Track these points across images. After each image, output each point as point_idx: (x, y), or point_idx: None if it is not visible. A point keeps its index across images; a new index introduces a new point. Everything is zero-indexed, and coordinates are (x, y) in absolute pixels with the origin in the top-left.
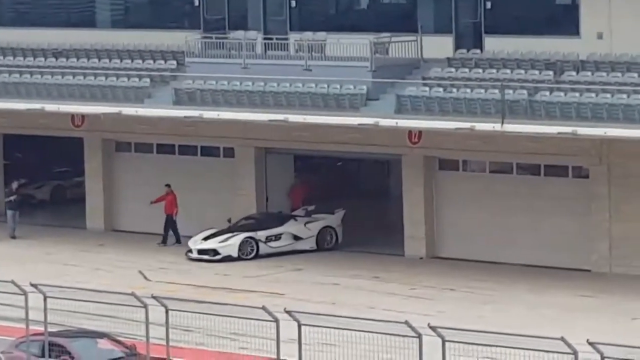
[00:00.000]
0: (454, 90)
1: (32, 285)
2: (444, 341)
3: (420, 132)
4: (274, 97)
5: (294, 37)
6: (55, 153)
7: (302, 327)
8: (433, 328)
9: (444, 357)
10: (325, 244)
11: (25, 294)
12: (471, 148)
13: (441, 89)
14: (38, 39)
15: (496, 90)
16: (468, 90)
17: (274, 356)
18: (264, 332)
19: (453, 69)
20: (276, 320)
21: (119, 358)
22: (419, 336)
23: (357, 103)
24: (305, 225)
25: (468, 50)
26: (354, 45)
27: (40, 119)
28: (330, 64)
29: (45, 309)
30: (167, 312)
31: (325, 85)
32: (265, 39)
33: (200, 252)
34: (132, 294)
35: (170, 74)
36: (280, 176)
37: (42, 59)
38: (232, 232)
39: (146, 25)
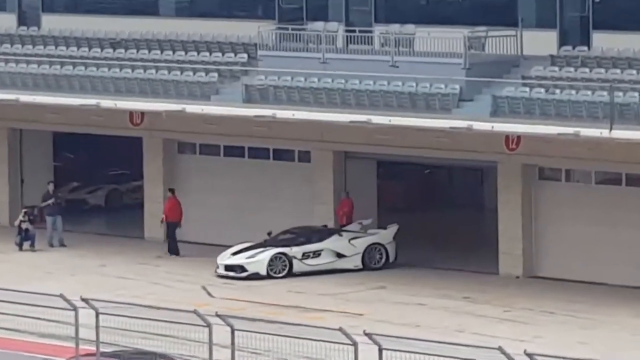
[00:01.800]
0: (557, 91)
1: (83, 300)
2: None
3: (518, 137)
4: (355, 96)
5: (379, 30)
6: (111, 154)
7: (383, 352)
8: (530, 355)
9: None
10: (373, 262)
11: (75, 309)
12: (575, 156)
13: (543, 90)
14: (94, 28)
15: (605, 92)
16: (573, 91)
17: None
18: (341, 356)
19: (557, 68)
20: (354, 344)
21: None
22: None
23: (448, 104)
24: (349, 241)
25: (574, 47)
26: (446, 39)
27: (94, 116)
28: (419, 60)
29: (97, 326)
30: (232, 332)
31: (414, 84)
32: (347, 31)
33: (227, 268)
34: (194, 312)
35: (240, 68)
36: (361, 183)
37: (98, 49)
38: (264, 247)
39: (215, 14)
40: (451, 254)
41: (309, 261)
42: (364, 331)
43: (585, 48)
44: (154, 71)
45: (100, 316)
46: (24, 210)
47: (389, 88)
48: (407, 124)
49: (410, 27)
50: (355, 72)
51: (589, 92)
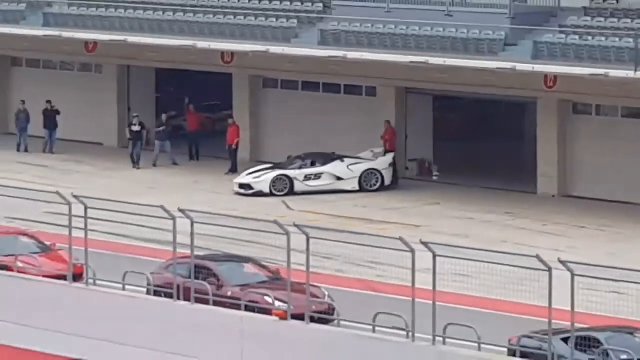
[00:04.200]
0: (590, 38)
1: (180, 210)
2: (573, 275)
3: (555, 77)
4: (415, 40)
5: None
6: (205, 87)
7: (437, 258)
8: (563, 262)
9: (573, 291)
10: (369, 185)
11: (174, 219)
12: (604, 93)
13: (577, 37)
14: None
15: (630, 39)
16: (603, 38)
17: (410, 285)
18: (401, 262)
19: (589, 18)
20: (412, 251)
21: (264, 282)
22: (549, 270)
23: (495, 48)
24: (348, 167)
25: (604, 0)
26: None
27: (191, 55)
28: (471, 10)
29: (192, 233)
30: (308, 240)
31: (465, 31)
32: None
33: (241, 186)
34: (275, 222)
35: (316, 15)
36: (419, 115)
37: None
38: (272, 169)
39: None
40: (496, 176)
41: (310, 182)
42: (421, 240)
43: (615, 1)
44: (242, 17)
45: (195, 225)
46: (134, 115)
47: (444, 34)
48: (459, 64)
49: None
50: (415, 20)
51: (617, 39)
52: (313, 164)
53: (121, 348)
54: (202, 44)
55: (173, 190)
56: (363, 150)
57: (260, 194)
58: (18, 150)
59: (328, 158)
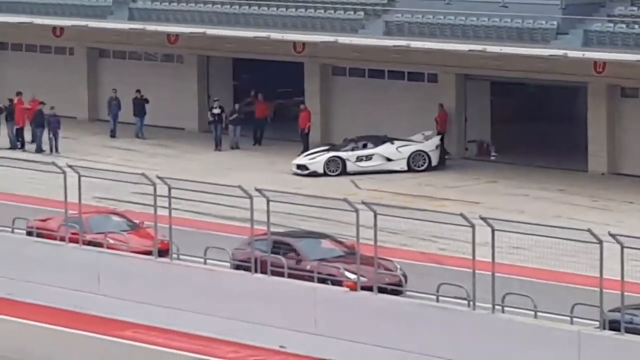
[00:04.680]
0: (636, 26)
1: (257, 190)
2: (622, 247)
3: (604, 63)
4: (473, 30)
5: None
6: (278, 75)
7: (495, 232)
8: (613, 235)
9: (622, 262)
10: (416, 166)
11: (250, 197)
12: None
13: (624, 25)
14: None
15: None
16: None
17: (470, 257)
18: (461, 236)
19: (635, 8)
20: (472, 226)
21: (340, 256)
22: (600, 242)
23: (548, 36)
24: (397, 148)
25: None
26: None
27: (265, 45)
28: (525, 2)
29: (268, 211)
30: (375, 216)
31: (520, 20)
32: None
33: (298, 167)
34: (345, 200)
35: (381, 8)
36: (477, 99)
37: None
38: (327, 151)
39: None
40: (549, 155)
41: (362, 163)
42: (480, 216)
43: None
44: (312, 10)
45: (270, 203)
46: (215, 100)
47: (500, 24)
48: (514, 52)
49: None
50: (473, 11)
51: None
52: (365, 146)
53: (202, 317)
54: (275, 35)
55: (249, 170)
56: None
57: (314, 174)
58: (112, 135)
59: (379, 140)
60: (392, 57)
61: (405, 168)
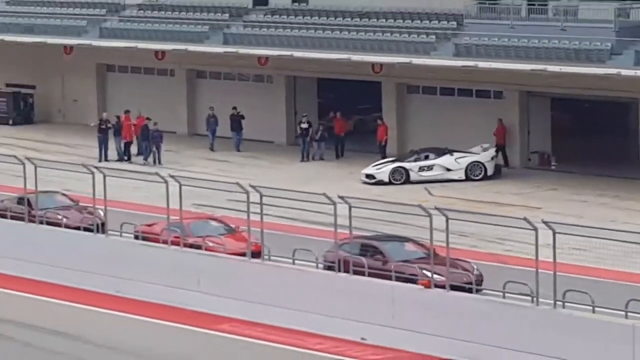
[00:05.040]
0: None
1: (339, 197)
2: None
3: None
4: (535, 51)
5: (552, 4)
6: (358, 93)
7: (556, 235)
8: None
9: None
10: (473, 175)
11: (334, 204)
12: None
13: None
14: (346, 3)
15: None
16: None
17: (533, 258)
18: (525, 238)
19: None
20: (535, 229)
21: (421, 258)
22: None
23: (603, 57)
24: (456, 159)
25: None
26: (601, 10)
27: (347, 66)
28: (582, 25)
29: (350, 216)
30: (447, 220)
31: (577, 42)
32: (529, 4)
33: (366, 176)
34: (419, 206)
35: (451, 32)
36: (539, 114)
37: (349, 19)
38: (392, 161)
39: None
40: (605, 164)
41: (424, 173)
42: (542, 220)
43: None
44: (389, 34)
45: (352, 209)
46: (303, 115)
47: (560, 45)
48: (572, 71)
49: (575, 1)
50: (534, 34)
51: None
52: (427, 157)
53: (291, 312)
54: (355, 57)
55: (332, 180)
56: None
57: (380, 183)
58: (211, 149)
59: (440, 152)
60: (461, 76)
61: (463, 177)
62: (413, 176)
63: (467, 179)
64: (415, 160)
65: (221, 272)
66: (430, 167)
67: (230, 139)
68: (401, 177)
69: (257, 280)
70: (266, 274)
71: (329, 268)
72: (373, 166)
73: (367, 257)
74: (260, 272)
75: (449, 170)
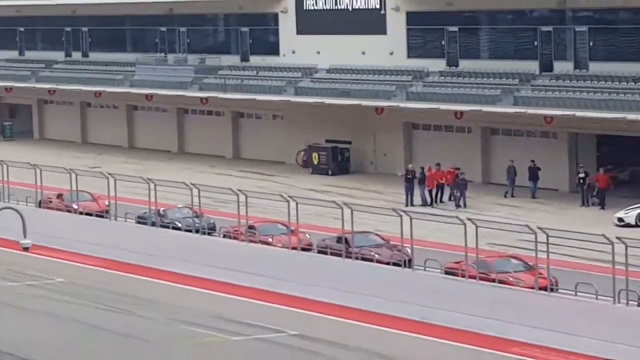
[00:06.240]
0: None
1: (617, 237)
2: None
3: None
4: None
5: None
6: (633, 147)
7: None
8: None
9: None
10: None
11: (612, 244)
12: None
13: None
14: (622, 69)
15: None
16: None
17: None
18: None
19: None
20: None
21: None
22: None
23: None
24: None
25: None
26: None
27: (624, 124)
28: None
29: (626, 255)
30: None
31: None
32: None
33: (618, 219)
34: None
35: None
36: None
37: (625, 82)
38: None
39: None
40: None
41: None
42: None
43: None
44: None
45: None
46: (580, 165)
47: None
48: None
49: None
50: None
51: None
52: None
53: (570, 337)
54: (631, 116)
55: (599, 223)
56: None
57: (629, 225)
58: (505, 196)
59: None
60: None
61: None
62: None
63: None
64: None
65: (513, 302)
66: None
67: (523, 188)
68: None
69: (543, 312)
70: (551, 306)
71: None
72: (624, 210)
73: None
74: (544, 304)
75: None
